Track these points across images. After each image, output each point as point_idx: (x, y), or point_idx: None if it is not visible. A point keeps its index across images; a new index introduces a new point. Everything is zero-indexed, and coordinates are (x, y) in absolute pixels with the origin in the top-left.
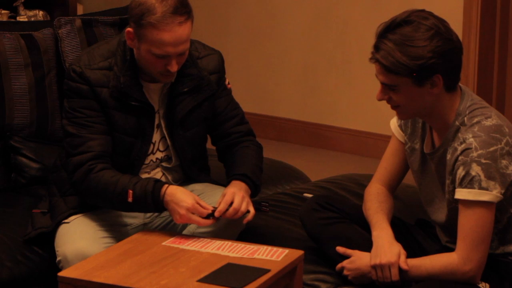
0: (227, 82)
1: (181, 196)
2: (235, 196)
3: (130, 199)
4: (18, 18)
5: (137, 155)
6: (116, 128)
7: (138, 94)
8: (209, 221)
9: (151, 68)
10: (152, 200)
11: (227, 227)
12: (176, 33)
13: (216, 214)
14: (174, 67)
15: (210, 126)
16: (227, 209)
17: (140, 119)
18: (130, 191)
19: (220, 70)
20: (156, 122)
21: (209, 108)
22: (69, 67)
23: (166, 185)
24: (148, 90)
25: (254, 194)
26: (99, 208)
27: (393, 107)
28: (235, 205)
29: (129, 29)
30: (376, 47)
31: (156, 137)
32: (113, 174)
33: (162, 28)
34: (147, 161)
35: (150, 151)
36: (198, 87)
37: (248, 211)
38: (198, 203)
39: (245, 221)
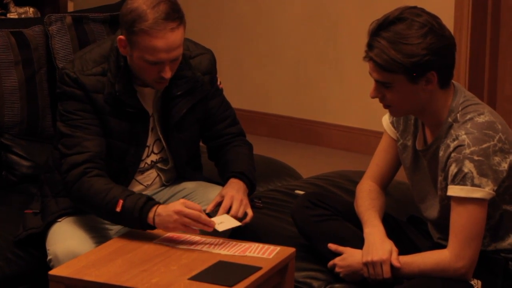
0: (218, 82)
1: (166, 208)
2: (234, 201)
3: (118, 209)
4: (8, 15)
5: (130, 160)
6: (110, 134)
7: (132, 100)
8: (203, 226)
9: (145, 75)
10: (139, 215)
11: None
12: (169, 40)
13: (217, 227)
14: (167, 74)
15: (202, 126)
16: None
17: (134, 124)
18: (121, 201)
19: (212, 71)
20: (151, 125)
21: (202, 109)
22: (62, 72)
23: (158, 205)
24: (142, 94)
25: (250, 192)
26: None
27: (385, 106)
28: (232, 212)
29: (120, 36)
30: (370, 45)
31: (150, 140)
32: (107, 182)
33: (154, 34)
34: (141, 165)
35: (145, 155)
36: (192, 89)
37: (246, 214)
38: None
39: (243, 223)
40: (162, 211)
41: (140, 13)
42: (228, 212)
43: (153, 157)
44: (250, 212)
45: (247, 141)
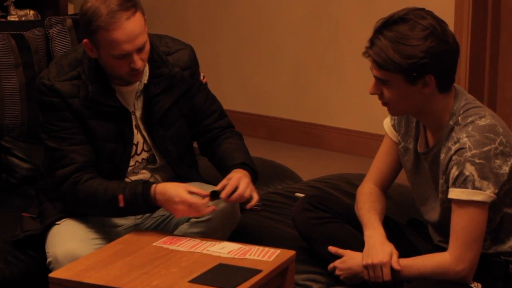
0: (202, 77)
1: (172, 192)
2: (241, 181)
3: (121, 204)
4: (8, 18)
5: (120, 159)
6: (95, 136)
7: (109, 99)
8: (208, 210)
9: (117, 71)
10: (143, 201)
11: (218, 227)
12: (126, 29)
13: (223, 195)
14: (138, 64)
15: (190, 122)
16: (232, 193)
17: (118, 123)
18: (121, 196)
19: (192, 65)
20: (134, 123)
21: (186, 104)
22: (39, 81)
23: (154, 185)
24: (122, 93)
25: (254, 180)
26: None
27: (384, 104)
28: (240, 190)
29: (85, 40)
30: (371, 42)
31: (138, 138)
32: (100, 182)
33: (111, 28)
34: (132, 163)
35: (133, 152)
36: (171, 85)
37: (251, 197)
38: (191, 192)
39: (248, 206)
40: (162, 192)
41: (94, 10)
42: (234, 191)
43: (144, 155)
44: (255, 196)
45: (236, 131)
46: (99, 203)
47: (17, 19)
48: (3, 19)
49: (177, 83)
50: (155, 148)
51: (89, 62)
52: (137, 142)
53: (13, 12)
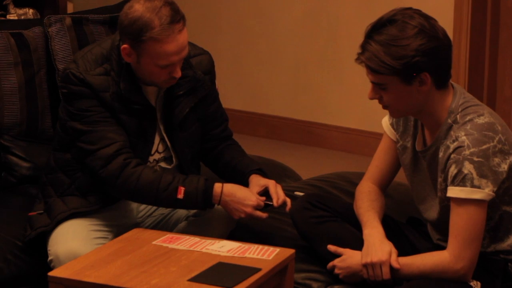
0: (216, 86)
1: (243, 195)
2: (278, 188)
3: (180, 196)
4: (8, 17)
5: (139, 156)
6: (125, 130)
7: (139, 97)
8: (264, 214)
9: (154, 78)
10: (203, 197)
11: (217, 226)
12: (179, 42)
13: (276, 204)
14: (179, 73)
15: (202, 128)
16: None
17: (142, 120)
18: (181, 188)
19: (212, 71)
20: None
21: (203, 109)
22: (67, 72)
23: (220, 184)
24: (146, 92)
25: None
26: (97, 209)
27: (384, 107)
28: (283, 196)
29: (124, 46)
30: (362, 48)
31: (156, 138)
32: (153, 170)
33: (165, 40)
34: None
35: (152, 151)
36: (194, 88)
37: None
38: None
39: (288, 209)
40: (230, 192)
41: (146, 21)
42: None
43: (157, 156)
44: (288, 199)
45: (234, 139)
46: (153, 191)
47: (16, 17)
48: (3, 18)
49: (199, 86)
50: (173, 149)
51: (118, 59)
52: (155, 141)
53: (12, 10)
